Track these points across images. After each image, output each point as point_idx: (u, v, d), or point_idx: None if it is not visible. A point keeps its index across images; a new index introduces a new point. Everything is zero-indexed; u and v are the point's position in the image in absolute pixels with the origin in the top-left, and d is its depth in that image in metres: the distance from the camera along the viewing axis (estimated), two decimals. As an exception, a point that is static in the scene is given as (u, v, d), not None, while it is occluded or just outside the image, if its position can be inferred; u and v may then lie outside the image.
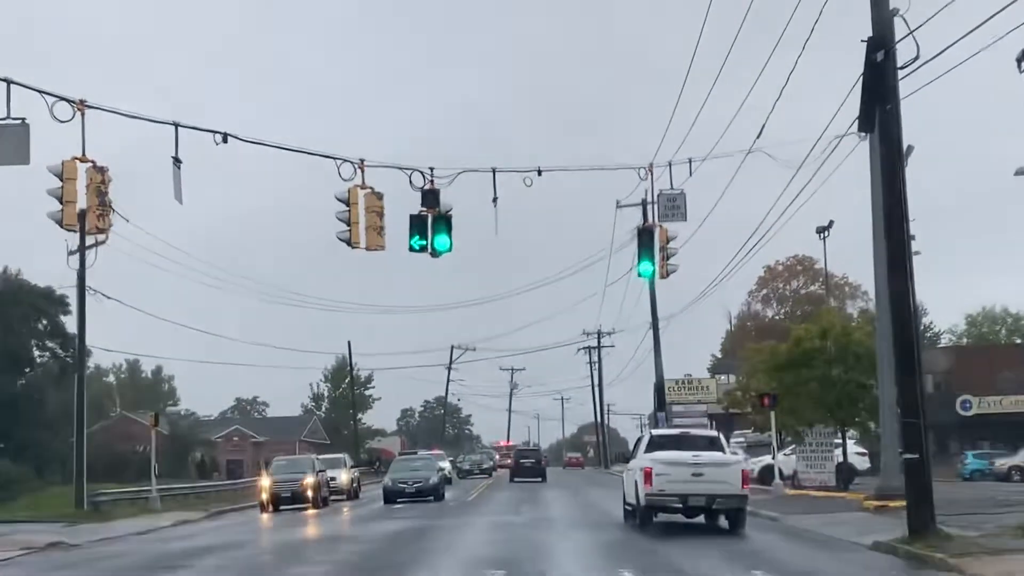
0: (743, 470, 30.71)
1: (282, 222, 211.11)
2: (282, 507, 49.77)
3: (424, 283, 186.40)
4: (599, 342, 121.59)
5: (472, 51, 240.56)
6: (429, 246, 30.80)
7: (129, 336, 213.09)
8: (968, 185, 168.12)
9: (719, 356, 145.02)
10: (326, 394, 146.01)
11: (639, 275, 35.46)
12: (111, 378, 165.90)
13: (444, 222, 30.76)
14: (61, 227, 25.52)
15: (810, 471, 51.29)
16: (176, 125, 27.18)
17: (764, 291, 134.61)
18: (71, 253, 54.49)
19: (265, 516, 47.37)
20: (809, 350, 50.23)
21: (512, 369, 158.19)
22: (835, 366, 50.16)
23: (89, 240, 53.84)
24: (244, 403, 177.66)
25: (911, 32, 24.91)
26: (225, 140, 28.01)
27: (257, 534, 35.63)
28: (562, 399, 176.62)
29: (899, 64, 25.12)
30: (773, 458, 49.16)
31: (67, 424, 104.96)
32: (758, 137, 34.84)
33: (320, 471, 51.51)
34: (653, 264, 34.53)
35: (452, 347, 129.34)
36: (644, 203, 65.40)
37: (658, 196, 35.10)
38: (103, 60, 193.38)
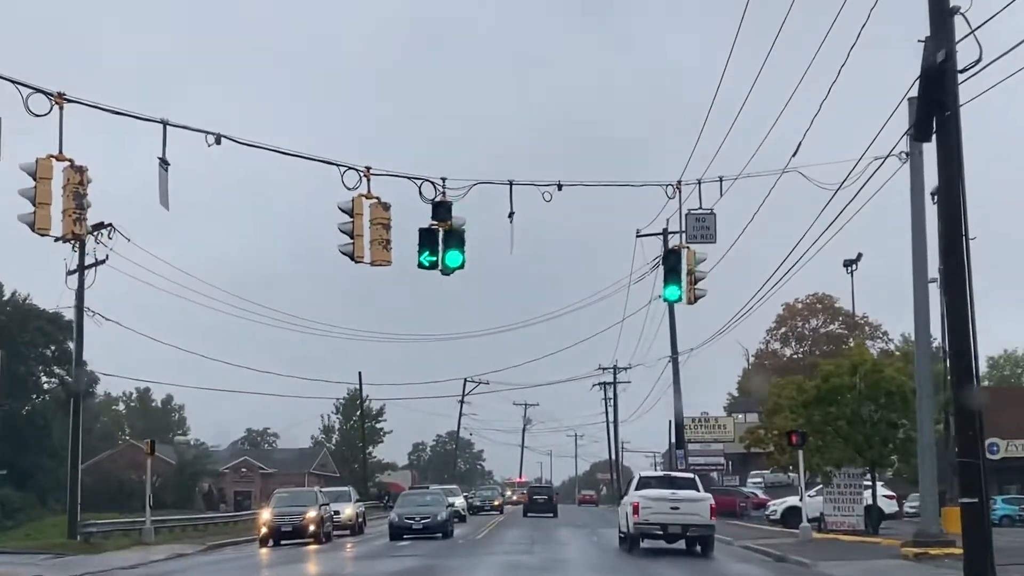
0: (711, 504, 36.92)
1: (297, 246, 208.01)
2: (283, 541, 47.10)
3: (437, 313, 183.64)
4: (615, 377, 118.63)
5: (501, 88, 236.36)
6: (440, 262, 28.29)
7: (138, 364, 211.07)
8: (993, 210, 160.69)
9: (735, 395, 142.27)
10: (337, 426, 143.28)
11: (664, 299, 32.81)
12: (121, 406, 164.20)
13: (456, 237, 28.25)
14: (33, 230, 22.90)
15: (837, 514, 48.43)
16: (164, 123, 24.76)
17: (783, 329, 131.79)
18: (70, 273, 52.21)
19: (264, 551, 44.71)
20: (838, 386, 47.58)
21: (526, 404, 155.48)
22: (865, 404, 47.51)
23: (89, 259, 51.68)
24: (255, 434, 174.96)
25: (972, 32, 22.46)
26: (218, 141, 25.57)
27: (251, 571, 32.98)
28: (575, 435, 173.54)
29: (959, 67, 22.67)
30: (801, 499, 46.33)
31: (67, 450, 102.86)
32: (794, 154, 32.25)
33: (323, 504, 48.80)
34: (680, 288, 31.94)
35: (465, 380, 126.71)
36: (665, 232, 63.10)
37: (686, 216, 32.63)
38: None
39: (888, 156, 32.86)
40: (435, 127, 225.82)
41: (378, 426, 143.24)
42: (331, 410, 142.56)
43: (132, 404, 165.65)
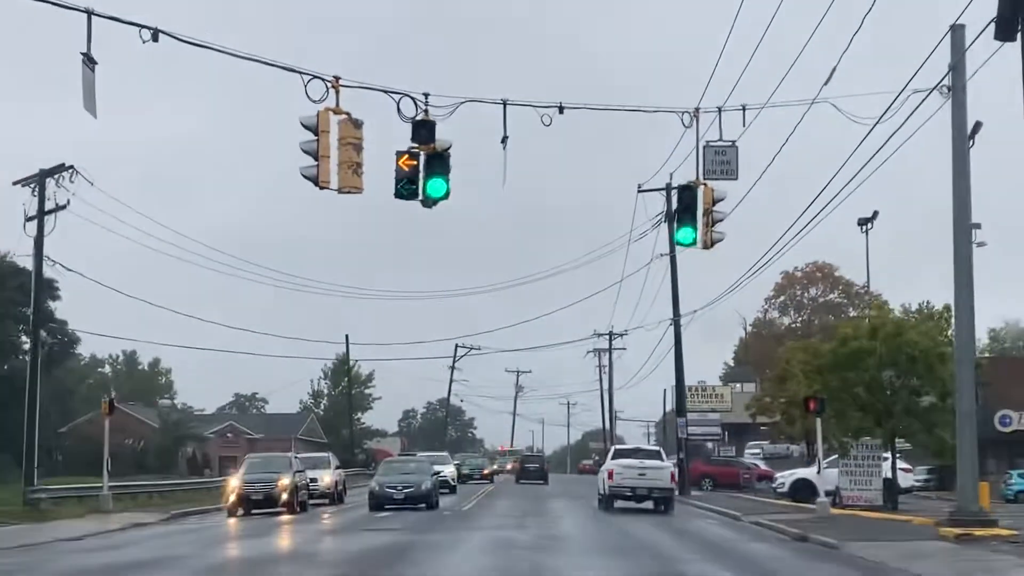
0: (672, 472, 44.42)
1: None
2: (254, 511, 42.94)
3: (426, 270, 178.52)
4: (610, 343, 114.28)
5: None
6: (420, 192, 23.99)
7: (124, 326, 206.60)
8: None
9: (731, 365, 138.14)
10: (326, 392, 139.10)
11: (677, 243, 28.45)
12: (107, 369, 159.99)
13: (440, 162, 23.93)
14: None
15: (854, 488, 44.34)
16: (89, 13, 20.35)
17: (781, 298, 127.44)
18: (28, 219, 47.85)
19: (232, 521, 40.54)
20: (857, 350, 43.36)
21: (518, 371, 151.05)
22: (886, 369, 43.39)
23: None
24: (243, 399, 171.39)
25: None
26: (155, 38, 21.16)
27: (206, 546, 28.73)
28: (568, 404, 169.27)
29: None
30: (818, 472, 42.17)
31: (54, 413, 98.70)
32: (827, 83, 27.87)
33: (298, 471, 44.51)
34: (695, 231, 27.67)
35: (456, 345, 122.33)
36: (668, 187, 58.86)
37: (704, 148, 28.27)
38: None
39: (930, 90, 28.54)
40: (420, 50, 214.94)
41: (367, 392, 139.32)
42: (320, 375, 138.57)
43: (119, 367, 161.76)
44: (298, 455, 51.21)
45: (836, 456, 49.33)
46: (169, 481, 60.13)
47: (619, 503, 43.63)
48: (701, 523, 38.54)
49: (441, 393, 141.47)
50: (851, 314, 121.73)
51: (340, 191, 23.00)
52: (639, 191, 58.81)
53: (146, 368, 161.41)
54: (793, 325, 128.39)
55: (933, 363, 42.48)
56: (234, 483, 43.33)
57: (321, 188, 22.83)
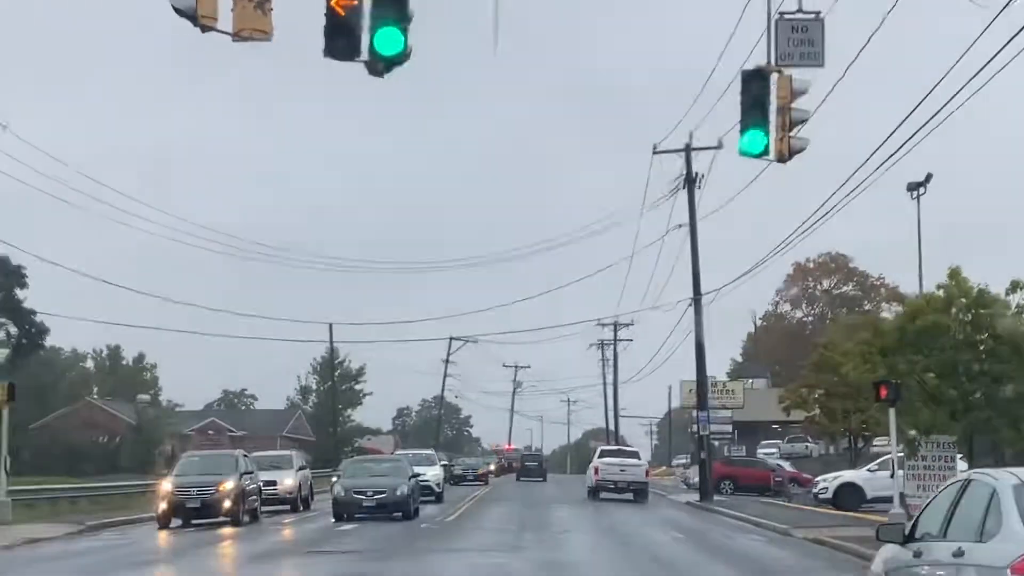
0: (646, 469, 54.81)
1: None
2: (193, 520, 34.30)
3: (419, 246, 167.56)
4: (615, 334, 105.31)
5: None
6: (368, 50, 15.27)
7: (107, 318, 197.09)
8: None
9: (739, 360, 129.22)
10: (314, 387, 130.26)
11: (742, 152, 19.60)
12: (90, 364, 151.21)
13: (393, 5, 15.24)
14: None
15: (923, 494, 35.52)
16: None
17: (793, 290, 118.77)
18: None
19: (161, 535, 31.99)
20: (931, 327, 34.58)
21: (516, 366, 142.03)
22: (964, 351, 34.69)
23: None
24: (231, 395, 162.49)
25: None
26: None
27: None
28: (568, 401, 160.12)
29: None
30: (892, 475, 33.54)
31: (27, 409, 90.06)
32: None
33: (246, 473, 35.67)
34: (766, 134, 19.07)
35: (451, 338, 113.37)
36: (688, 148, 50.40)
37: (777, 23, 19.66)
38: None
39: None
40: None
41: (357, 387, 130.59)
42: (308, 369, 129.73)
43: (104, 362, 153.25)
44: (254, 453, 42.47)
45: (886, 457, 40.91)
46: (103, 484, 51.03)
47: (604, 494, 50.14)
48: (745, 541, 30.07)
49: (436, 390, 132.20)
50: (866, 308, 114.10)
51: (236, 36, 14.37)
52: (654, 152, 50.20)
53: (130, 363, 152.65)
54: (805, 319, 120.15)
55: (1021, 345, 33.84)
56: (166, 487, 34.55)
57: (204, 29, 14.19)
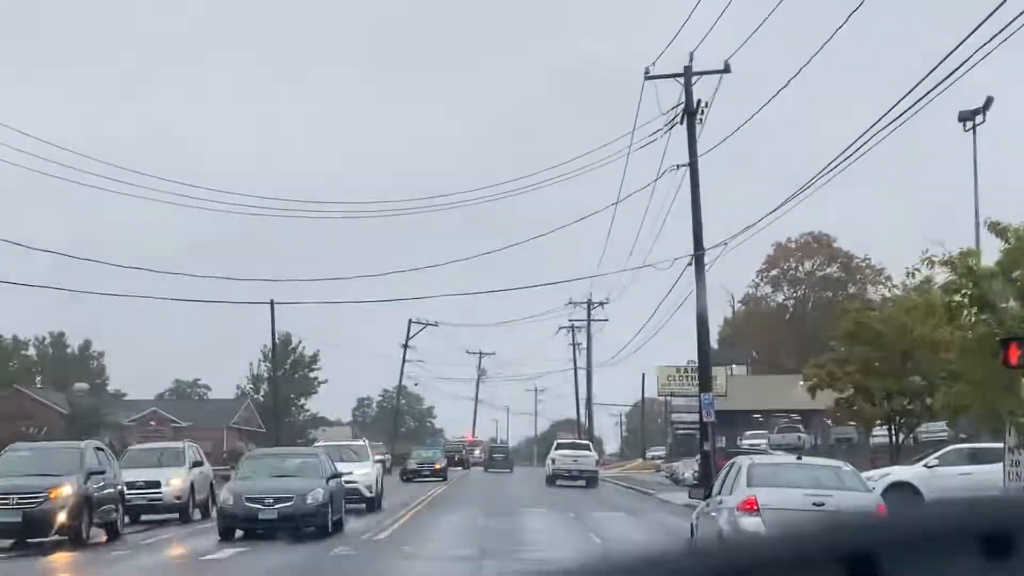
0: (596, 459, 63.52)
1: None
2: (28, 540, 23.63)
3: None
4: (588, 313, 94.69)
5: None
6: None
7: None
8: None
9: (715, 348, 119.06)
10: (265, 375, 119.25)
11: None
12: (31, 351, 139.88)
13: None
14: None
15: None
16: None
17: (773, 271, 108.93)
18: None
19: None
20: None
21: (480, 352, 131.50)
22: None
23: None
24: (183, 385, 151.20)
25: None
26: None
27: None
28: (536, 390, 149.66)
29: None
30: (1006, 468, 23.20)
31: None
32: None
33: (95, 473, 24.90)
34: None
35: (410, 321, 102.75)
36: (688, 71, 40.07)
37: None
38: None
39: None
40: None
41: (312, 375, 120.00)
42: (259, 356, 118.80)
43: (47, 349, 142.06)
44: (136, 446, 31.92)
45: (949, 449, 30.91)
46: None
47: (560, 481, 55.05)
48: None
49: (396, 379, 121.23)
50: (851, 290, 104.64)
51: None
52: (646, 77, 39.65)
53: (75, 352, 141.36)
54: (787, 301, 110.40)
55: None
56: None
57: None
